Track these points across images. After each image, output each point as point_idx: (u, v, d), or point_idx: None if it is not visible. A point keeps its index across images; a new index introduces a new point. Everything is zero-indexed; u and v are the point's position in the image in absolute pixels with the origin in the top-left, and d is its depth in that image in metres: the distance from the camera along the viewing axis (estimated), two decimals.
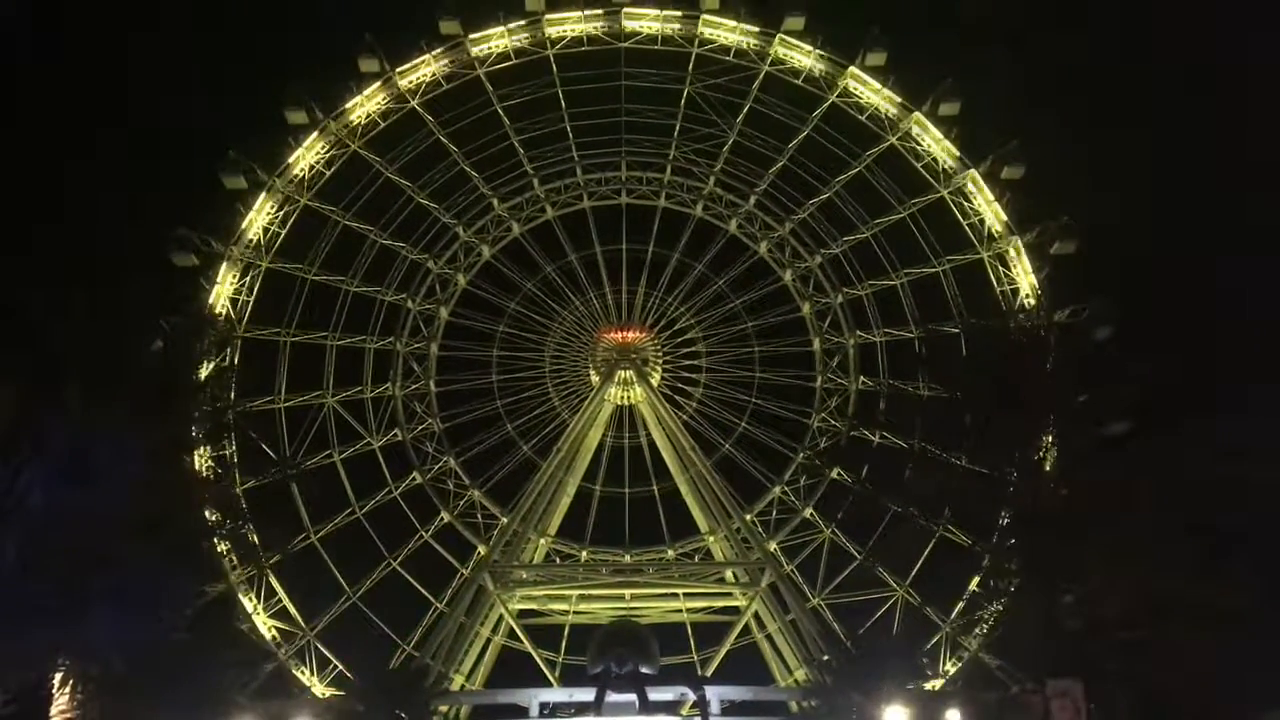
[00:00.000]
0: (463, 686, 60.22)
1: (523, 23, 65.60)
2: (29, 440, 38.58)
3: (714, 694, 50.27)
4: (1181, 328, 55.89)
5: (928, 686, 52.60)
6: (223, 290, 62.08)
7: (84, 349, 41.29)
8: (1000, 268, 63.44)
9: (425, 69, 65.53)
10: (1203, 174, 69.69)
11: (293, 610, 61.97)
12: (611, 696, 48.37)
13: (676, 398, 70.45)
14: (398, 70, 65.00)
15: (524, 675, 62.25)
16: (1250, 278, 59.89)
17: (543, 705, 50.55)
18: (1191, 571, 40.68)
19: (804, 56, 65.73)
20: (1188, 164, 71.23)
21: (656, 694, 49.50)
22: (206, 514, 55.59)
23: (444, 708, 54.05)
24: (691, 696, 50.49)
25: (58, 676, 39.01)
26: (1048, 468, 52.72)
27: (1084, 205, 63.93)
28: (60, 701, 38.85)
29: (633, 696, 48.21)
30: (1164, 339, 52.57)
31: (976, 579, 58.58)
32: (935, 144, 64.63)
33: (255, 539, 60.76)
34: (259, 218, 63.29)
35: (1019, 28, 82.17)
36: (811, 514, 67.18)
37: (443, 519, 67.02)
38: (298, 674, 61.10)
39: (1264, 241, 60.04)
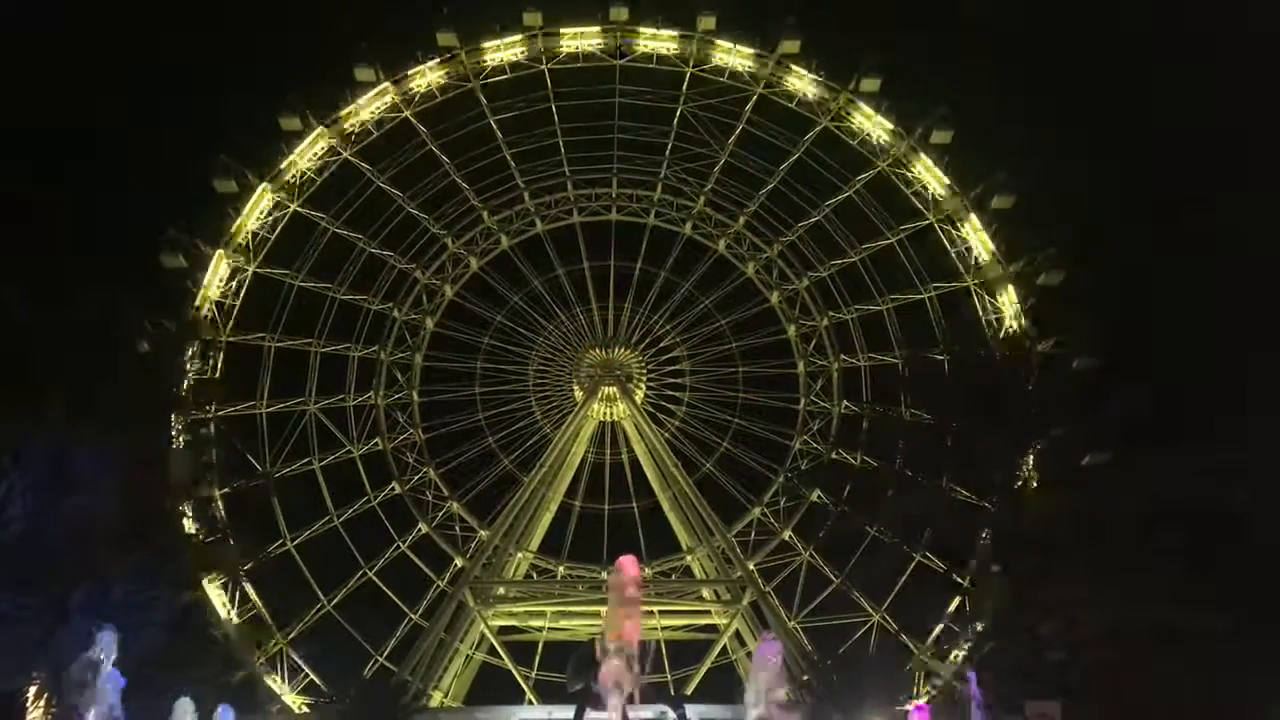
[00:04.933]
0: (441, 703, 59.78)
1: (519, 37, 65.43)
2: (8, 450, 38.22)
3: (694, 712, 50.18)
4: (1174, 355, 56.42)
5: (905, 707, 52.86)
6: (209, 293, 61.64)
7: (67, 358, 40.93)
8: (986, 296, 63.78)
9: (420, 79, 65.26)
10: (1199, 203, 70.24)
11: (266, 617, 61.36)
12: (591, 715, 48.13)
13: (660, 415, 70.47)
14: (393, 80, 64.76)
15: (496, 690, 62.15)
16: (1246, 303, 60.61)
17: None
18: (1173, 594, 41.25)
19: (798, 80, 65.83)
20: (1184, 193, 71.90)
21: (636, 711, 49.34)
22: (184, 524, 55.29)
23: None
24: (672, 715, 50.37)
25: (32, 689, 38.54)
26: (1028, 492, 53.37)
27: (1074, 233, 64.48)
28: (34, 713, 38.36)
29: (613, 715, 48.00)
30: (1156, 365, 53.13)
31: (955, 601, 59.10)
32: (926, 171, 64.89)
33: (231, 544, 60.46)
34: (249, 222, 62.86)
35: (1015, 56, 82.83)
36: (790, 536, 67.28)
37: (420, 530, 66.76)
38: (269, 682, 60.44)
39: (1261, 269, 60.67)
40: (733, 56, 65.95)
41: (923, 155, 64.69)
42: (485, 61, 65.74)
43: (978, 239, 63.79)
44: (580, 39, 66.17)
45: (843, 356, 68.20)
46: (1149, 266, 66.41)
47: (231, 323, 62.75)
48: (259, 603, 61.03)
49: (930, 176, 64.80)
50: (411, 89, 65.37)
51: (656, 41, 66.28)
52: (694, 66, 66.35)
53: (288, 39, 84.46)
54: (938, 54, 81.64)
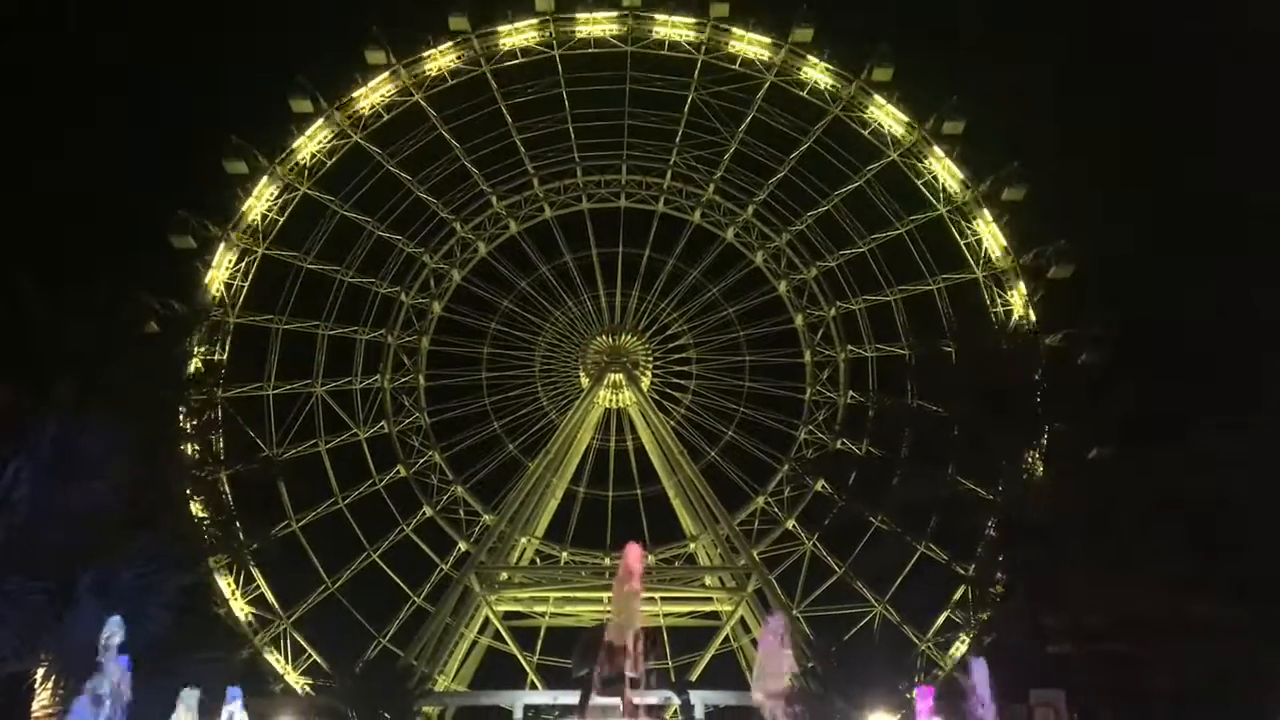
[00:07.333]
0: (446, 687, 60.00)
1: (531, 22, 65.16)
2: (15, 433, 38.09)
3: (698, 698, 50.34)
4: (1179, 344, 56.29)
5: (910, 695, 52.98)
6: (218, 274, 61.73)
7: (73, 339, 40.78)
8: (995, 288, 63.66)
9: (431, 64, 64.95)
10: (1205, 196, 70.16)
11: (270, 597, 61.56)
12: (595, 700, 48.26)
13: (665, 403, 70.46)
14: (404, 63, 64.47)
15: (500, 675, 62.35)
16: (1251, 296, 60.45)
17: (527, 708, 50.48)
18: (1180, 583, 41.17)
19: (810, 68, 65.50)
20: (1190, 188, 71.79)
21: (640, 697, 49.47)
22: (192, 507, 55.32)
23: (428, 708, 53.89)
24: (676, 701, 50.52)
25: (40, 672, 38.51)
26: (1035, 481, 53.24)
27: (1085, 228, 64.31)
28: (42, 697, 38.36)
29: (617, 700, 48.13)
30: (1160, 356, 53.00)
31: (960, 590, 59.10)
32: (937, 162, 64.62)
33: (237, 525, 60.51)
34: (258, 204, 62.86)
35: (1022, 48, 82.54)
36: (793, 526, 67.41)
37: (425, 513, 66.93)
38: (272, 662, 60.73)
39: (1265, 262, 60.55)
40: (745, 44, 65.61)
41: (934, 146, 64.42)
42: (497, 46, 65.48)
43: (987, 231, 63.64)
44: (592, 24, 65.90)
45: (849, 347, 68.11)
46: (1153, 258, 66.44)
47: (240, 304, 62.90)
48: (263, 583, 61.25)
49: (941, 167, 64.52)
50: (423, 73, 65.13)
51: (669, 28, 65.90)
52: (706, 54, 66.03)
53: (299, 21, 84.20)
54: (948, 45, 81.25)
